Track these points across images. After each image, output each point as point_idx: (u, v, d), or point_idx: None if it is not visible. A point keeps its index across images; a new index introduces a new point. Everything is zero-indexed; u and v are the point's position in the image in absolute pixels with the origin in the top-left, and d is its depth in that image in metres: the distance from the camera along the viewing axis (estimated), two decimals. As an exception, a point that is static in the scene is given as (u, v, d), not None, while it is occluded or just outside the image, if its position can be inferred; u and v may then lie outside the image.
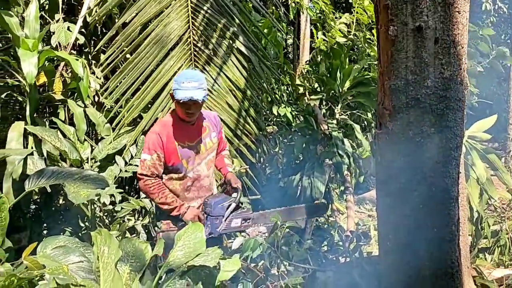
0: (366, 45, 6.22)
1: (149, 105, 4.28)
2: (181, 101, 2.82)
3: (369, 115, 5.65)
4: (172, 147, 2.95)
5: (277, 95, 6.16)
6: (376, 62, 5.66)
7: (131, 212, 3.99)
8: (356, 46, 6.44)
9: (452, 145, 2.31)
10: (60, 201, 4.55)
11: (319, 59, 5.75)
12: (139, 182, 2.95)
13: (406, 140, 2.34)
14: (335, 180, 5.21)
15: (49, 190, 3.88)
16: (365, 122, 5.99)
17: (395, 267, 2.47)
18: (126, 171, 3.97)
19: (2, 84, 3.79)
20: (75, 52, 4.51)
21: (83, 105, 4.10)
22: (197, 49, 4.32)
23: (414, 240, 2.36)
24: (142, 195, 3.96)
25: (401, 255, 2.43)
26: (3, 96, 3.68)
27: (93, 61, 4.62)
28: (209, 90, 4.32)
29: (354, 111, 5.56)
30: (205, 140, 3.10)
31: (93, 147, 4.07)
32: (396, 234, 2.44)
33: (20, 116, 4.00)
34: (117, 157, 4.01)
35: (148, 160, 2.91)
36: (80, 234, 4.03)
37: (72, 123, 4.10)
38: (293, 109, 6.16)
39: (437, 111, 2.27)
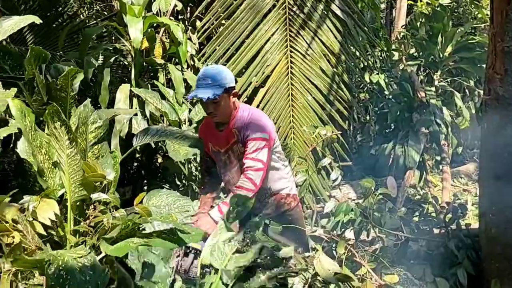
0: (472, 6, 5.74)
1: (244, 70, 4.36)
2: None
3: (472, 82, 5.28)
4: (208, 148, 2.90)
5: (370, 61, 5.97)
6: (483, 26, 5.25)
7: (225, 173, 4.15)
8: (461, 8, 5.97)
9: None
10: (160, 160, 4.85)
11: (418, 23, 5.43)
12: None
13: (518, 106, 2.19)
14: (430, 150, 4.98)
15: (153, 146, 4.13)
16: (467, 90, 5.61)
17: (499, 242, 2.36)
18: (221, 133, 4.12)
19: (111, 48, 4.06)
20: (173, 19, 4.69)
21: (181, 69, 4.28)
22: (292, 13, 4.30)
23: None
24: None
25: (504, 229, 2.31)
26: (111, 60, 3.94)
27: (190, 27, 4.78)
28: (302, 55, 4.31)
29: (455, 78, 5.22)
30: (233, 147, 2.79)
31: (190, 110, 4.26)
32: (501, 207, 2.31)
33: (125, 79, 4.28)
34: (213, 120, 4.17)
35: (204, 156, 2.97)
36: (177, 192, 4.30)
37: (170, 87, 4.32)
38: (386, 76, 5.95)
39: (557, 75, 2.09)
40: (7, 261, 1.69)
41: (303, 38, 4.30)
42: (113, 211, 2.09)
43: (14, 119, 2.09)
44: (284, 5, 4.28)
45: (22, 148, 2.09)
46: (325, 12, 4.32)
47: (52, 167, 2.06)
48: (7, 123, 2.32)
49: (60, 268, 1.53)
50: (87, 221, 1.91)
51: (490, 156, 2.39)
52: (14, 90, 2.13)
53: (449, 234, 2.90)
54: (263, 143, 2.64)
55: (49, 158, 2.05)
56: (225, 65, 4.35)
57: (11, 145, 2.52)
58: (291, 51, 4.32)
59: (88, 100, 2.38)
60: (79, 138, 2.20)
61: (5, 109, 2.15)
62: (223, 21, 4.50)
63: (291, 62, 4.33)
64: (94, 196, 1.97)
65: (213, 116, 2.68)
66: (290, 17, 4.28)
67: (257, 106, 4.28)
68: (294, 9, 4.29)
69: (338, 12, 4.32)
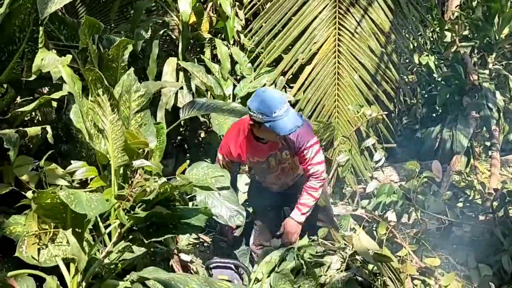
0: (534, -14, 5.42)
1: (290, 47, 4.33)
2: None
3: (528, 66, 5.04)
4: (241, 157, 2.84)
5: (420, 42, 5.78)
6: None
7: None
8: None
9: None
10: (202, 135, 4.94)
11: (474, 2, 5.19)
12: None
13: None
14: (479, 136, 4.81)
15: (201, 119, 4.20)
16: (523, 74, 5.36)
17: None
18: (264, 109, 4.13)
19: (160, 21, 4.12)
20: (221, -7, 4.69)
21: (227, 44, 4.30)
22: (342, -11, 4.20)
23: None
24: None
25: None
26: (160, 33, 4.00)
27: (237, 3, 4.77)
28: (351, 32, 4.23)
29: (511, 62, 4.98)
30: (276, 154, 2.81)
31: (235, 85, 4.29)
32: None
33: (173, 53, 4.35)
34: (257, 96, 4.18)
35: (220, 159, 2.92)
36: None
37: (215, 62, 4.35)
38: (436, 58, 5.74)
39: None
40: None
41: (353, 16, 4.20)
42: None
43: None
44: (334, -19, 4.19)
45: (73, 113, 2.19)
46: (377, -11, 4.20)
47: (98, 133, 2.15)
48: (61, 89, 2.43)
49: (71, 193, 1.64)
50: (131, 187, 1.98)
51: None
52: (69, 57, 2.21)
53: (496, 221, 2.83)
54: (317, 145, 2.79)
55: (95, 125, 2.13)
56: (271, 41, 4.33)
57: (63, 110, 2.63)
58: (339, 29, 4.24)
59: (132, 69, 2.43)
60: (122, 106, 2.28)
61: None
62: (271, -3, 4.46)
63: (339, 40, 4.25)
64: (137, 162, 2.03)
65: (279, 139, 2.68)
66: (339, -7, 4.19)
67: (303, 84, 4.26)
68: (344, -15, 4.19)
69: (390, -11, 4.19)
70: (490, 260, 2.66)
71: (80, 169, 2.04)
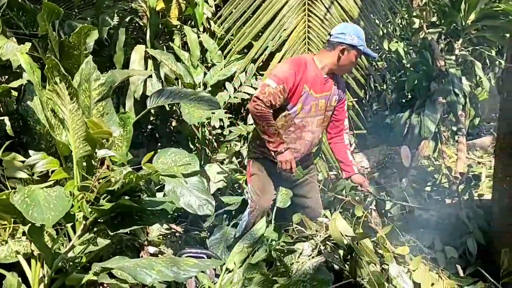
0: (499, -28, 5.51)
1: (260, 34, 4.29)
2: (359, 57, 2.95)
3: (494, 52, 5.14)
4: (300, 89, 2.84)
5: (389, 29, 5.82)
6: (509, -8, 5.05)
7: (238, 138, 4.16)
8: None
9: None
10: (173, 124, 4.87)
11: (441, -11, 5.26)
12: (250, 103, 2.81)
13: (541, 74, 2.12)
14: (447, 121, 4.90)
15: (167, 108, 4.14)
16: (488, 60, 5.46)
17: (510, 212, 2.34)
18: (235, 97, 4.11)
19: (126, 8, 4.02)
20: (189, -21, 4.60)
21: (197, 32, 4.24)
22: (311, -25, 4.18)
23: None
24: (250, 121, 4.09)
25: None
26: (126, 20, 3.91)
27: (206, -11, 4.70)
28: (320, 19, 4.21)
29: (477, 47, 5.07)
30: (328, 98, 2.96)
31: (205, 73, 4.24)
32: (516, 177, 2.28)
33: (141, 40, 4.26)
34: (227, 84, 4.15)
35: (272, 88, 2.75)
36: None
37: (185, 49, 4.28)
38: (405, 44, 5.80)
39: None
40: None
41: (322, 2, 4.18)
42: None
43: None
44: (303, -34, 4.16)
45: (33, 103, 2.11)
46: (346, -25, 4.19)
47: (58, 123, 2.08)
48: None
49: (26, 195, 1.59)
50: (95, 178, 1.93)
51: (508, 125, 2.34)
52: (28, 45, 2.13)
53: (461, 204, 2.88)
54: None
55: (55, 115, 2.06)
56: (241, 28, 4.29)
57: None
58: (308, 15, 4.21)
59: (90, 57, 2.36)
60: (82, 95, 2.21)
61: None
62: (240, -17, 4.40)
63: (309, 26, 4.23)
64: (101, 152, 1.98)
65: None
66: (309, -21, 4.17)
67: (273, 71, 4.23)
68: (313, -29, 4.16)
69: (359, -25, 4.19)
70: (456, 242, 2.71)
71: (41, 161, 1.97)
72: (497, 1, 4.98)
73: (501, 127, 2.42)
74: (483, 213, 2.70)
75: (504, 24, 4.54)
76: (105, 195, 1.92)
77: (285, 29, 4.21)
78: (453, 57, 4.74)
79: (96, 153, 2.03)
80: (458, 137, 4.64)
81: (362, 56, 3.18)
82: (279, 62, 4.20)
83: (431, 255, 2.66)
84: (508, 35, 2.43)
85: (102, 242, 1.94)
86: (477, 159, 6.25)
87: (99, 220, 1.88)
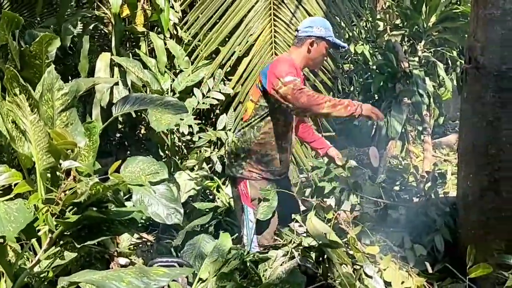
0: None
1: (227, 39, 4.30)
2: (329, 49, 2.94)
3: (455, 53, 5.30)
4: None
5: (355, 32, 5.92)
6: (467, -6, 5.21)
7: (208, 143, 4.15)
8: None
9: (550, 81, 2.13)
10: (142, 131, 4.82)
11: (403, -8, 5.40)
12: (300, 97, 2.60)
13: (498, 75, 2.19)
14: (412, 121, 5.02)
15: (134, 115, 4.10)
16: (450, 60, 5.63)
17: (474, 209, 2.40)
18: (203, 103, 4.10)
19: (89, 15, 3.96)
20: (155, -15, 4.56)
21: (163, 38, 4.21)
22: (275, -20, 4.22)
23: (498, 180, 2.26)
24: (219, 126, 4.09)
25: (480, 197, 2.35)
26: (90, 27, 3.85)
27: (172, -5, 4.67)
28: (286, 23, 4.25)
29: (439, 48, 5.22)
30: None
31: (173, 79, 4.21)
32: (478, 175, 2.35)
33: (106, 48, 4.20)
34: (195, 90, 4.14)
35: (296, 80, 2.65)
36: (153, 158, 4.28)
37: (152, 56, 4.25)
38: (370, 46, 5.91)
39: (536, 43, 2.09)
40: None
41: (287, 7, 4.24)
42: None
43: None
44: (267, -28, 4.19)
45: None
46: (309, -20, 4.25)
47: (20, 135, 2.02)
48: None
49: None
50: (60, 190, 1.89)
51: (469, 125, 2.41)
52: (-14, 55, 2.07)
53: (428, 202, 2.94)
54: None
55: (17, 127, 2.01)
56: (208, 34, 4.28)
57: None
58: (274, 20, 4.26)
59: (52, 66, 2.31)
60: (44, 105, 2.15)
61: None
62: (206, -12, 4.39)
63: (275, 31, 4.27)
64: (65, 164, 1.93)
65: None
66: (273, -16, 4.21)
67: (241, 76, 4.24)
68: (277, -24, 4.21)
69: (323, -20, 4.26)
70: (424, 240, 2.77)
71: (3, 174, 1.91)
72: (457, 3, 5.14)
73: (462, 126, 2.49)
74: (449, 210, 2.77)
75: (464, 26, 4.69)
76: (71, 207, 1.87)
77: (251, 34, 4.24)
78: (417, 59, 4.87)
79: (60, 164, 1.99)
80: (424, 136, 4.76)
81: (330, 57, 3.21)
82: (246, 67, 4.22)
83: (401, 254, 2.71)
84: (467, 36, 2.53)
85: (69, 255, 1.90)
86: (444, 157, 6.42)
87: (65, 233, 1.83)
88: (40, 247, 1.91)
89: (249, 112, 2.89)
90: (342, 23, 4.70)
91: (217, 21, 4.25)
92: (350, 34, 5.50)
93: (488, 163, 2.28)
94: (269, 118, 2.81)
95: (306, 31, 2.84)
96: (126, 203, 2.56)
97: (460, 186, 2.52)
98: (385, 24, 5.47)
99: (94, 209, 1.85)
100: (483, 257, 2.32)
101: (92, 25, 3.89)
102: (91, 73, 3.87)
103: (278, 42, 4.26)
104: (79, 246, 1.75)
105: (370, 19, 5.87)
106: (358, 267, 2.45)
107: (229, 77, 4.34)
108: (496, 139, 2.23)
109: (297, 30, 2.93)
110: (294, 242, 2.70)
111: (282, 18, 4.25)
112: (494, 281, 2.30)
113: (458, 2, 5.22)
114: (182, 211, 2.25)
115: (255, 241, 2.94)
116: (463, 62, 5.17)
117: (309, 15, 4.26)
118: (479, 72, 2.27)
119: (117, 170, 2.24)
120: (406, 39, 5.15)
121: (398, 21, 5.58)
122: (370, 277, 2.38)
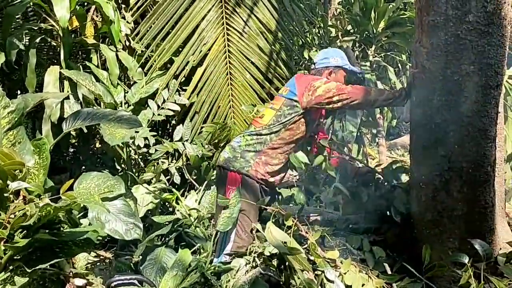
0: (403, -18, 5.92)
1: (180, 49, 4.26)
2: (347, 77, 3.16)
3: (404, 57, 5.47)
4: None
5: (308, 38, 6.01)
6: (413, 0, 5.40)
7: (165, 155, 4.08)
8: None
9: (492, 84, 2.23)
10: (97, 145, 4.69)
11: (353, -1, 5.54)
12: (350, 95, 2.82)
13: (443, 79, 2.28)
14: (367, 124, 5.14)
15: (85, 130, 3.99)
16: (400, 64, 5.81)
17: (429, 209, 2.47)
18: (159, 114, 4.03)
19: (36, 28, 3.83)
20: (104, -4, 4.47)
21: (115, 50, 4.12)
22: (227, -11, 4.23)
23: (448, 180, 2.35)
24: (176, 137, 4.03)
25: (433, 197, 2.42)
26: (37, 40, 3.72)
27: (123, 5, 4.59)
28: (239, 32, 4.26)
29: (388, 53, 5.38)
30: None
31: (126, 91, 4.13)
32: (430, 175, 2.42)
33: (55, 61, 4.07)
34: (150, 101, 4.07)
35: (338, 83, 2.94)
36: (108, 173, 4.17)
37: (104, 68, 4.15)
38: (324, 52, 6.00)
39: (478, 48, 2.19)
40: None
41: (239, 16, 4.25)
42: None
43: None
44: (218, -19, 4.20)
45: None
46: (261, -11, 4.28)
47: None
48: None
49: None
50: (8, 212, 1.80)
51: (418, 128, 2.49)
52: None
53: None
54: None
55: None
56: (161, 44, 4.23)
57: None
58: (227, 29, 4.26)
59: None
60: (-11, 125, 2.07)
61: None
62: (157, -1, 4.35)
63: (228, 40, 4.27)
64: (13, 185, 1.85)
65: None
66: (225, -7, 4.21)
67: (196, 86, 4.21)
68: (229, -15, 4.22)
69: (273, -12, 4.30)
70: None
71: None
72: (404, 9, 5.32)
73: (412, 129, 2.57)
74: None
75: (411, 31, 4.86)
76: (20, 230, 1.79)
77: (205, 43, 4.22)
78: (368, 63, 4.99)
79: (8, 186, 1.90)
80: (378, 139, 4.88)
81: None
82: (201, 76, 4.20)
83: (360, 256, 2.75)
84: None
85: (20, 280, 1.81)
86: (399, 158, 6.60)
87: (15, 257, 1.75)
88: (-11, 274, 1.82)
89: (266, 118, 3.01)
90: (295, 30, 4.76)
91: (170, 31, 4.20)
92: (304, 40, 5.57)
93: (438, 164, 2.36)
94: (290, 126, 2.94)
95: (323, 63, 3.09)
96: (83, 220, 2.49)
97: (413, 187, 2.59)
98: (337, 30, 5.58)
99: (46, 231, 1.77)
100: (438, 256, 2.40)
101: (39, 38, 3.75)
102: (39, 87, 3.74)
103: (232, 51, 4.27)
104: (30, 270, 1.67)
105: (322, 25, 5.97)
106: (319, 272, 2.47)
107: (184, 88, 4.30)
108: (444, 140, 2.31)
109: (313, 63, 3.17)
110: (256, 252, 2.70)
111: (235, 27, 4.25)
112: (450, 279, 2.38)
113: (405, 8, 5.40)
114: (141, 225, 2.20)
115: (228, 249, 2.94)
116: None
117: (262, 23, 4.29)
118: (425, 76, 2.36)
119: (71, 188, 2.17)
120: (357, 44, 5.27)
121: (349, 27, 5.71)
122: (332, 281, 2.41)
